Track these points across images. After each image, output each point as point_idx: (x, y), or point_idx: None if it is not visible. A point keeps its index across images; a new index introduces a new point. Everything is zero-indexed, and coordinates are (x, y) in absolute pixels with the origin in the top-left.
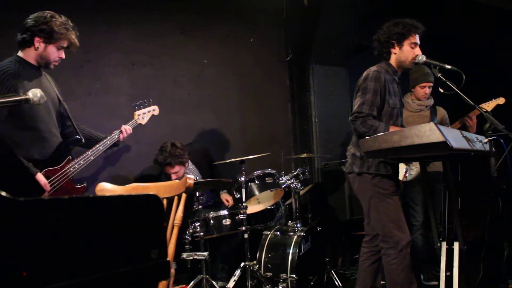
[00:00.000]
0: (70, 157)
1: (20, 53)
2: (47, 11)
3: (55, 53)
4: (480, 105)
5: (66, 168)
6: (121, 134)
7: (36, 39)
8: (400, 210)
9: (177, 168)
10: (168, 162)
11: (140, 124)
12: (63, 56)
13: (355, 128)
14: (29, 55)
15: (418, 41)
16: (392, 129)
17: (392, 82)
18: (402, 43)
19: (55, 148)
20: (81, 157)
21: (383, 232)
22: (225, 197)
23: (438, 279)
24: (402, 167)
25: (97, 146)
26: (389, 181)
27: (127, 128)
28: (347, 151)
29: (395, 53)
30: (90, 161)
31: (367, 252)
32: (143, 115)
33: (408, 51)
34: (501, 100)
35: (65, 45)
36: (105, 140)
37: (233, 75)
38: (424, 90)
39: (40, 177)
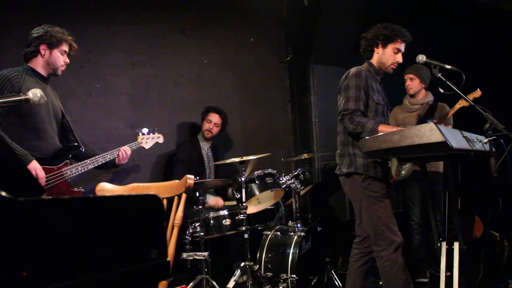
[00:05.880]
0: (68, 161)
1: (28, 64)
2: (44, 24)
3: (60, 58)
4: (460, 102)
5: (63, 170)
6: (118, 155)
7: (42, 47)
8: (391, 213)
9: (217, 117)
10: (213, 108)
11: (143, 147)
12: (68, 60)
13: (345, 126)
14: (37, 64)
15: (402, 48)
16: (383, 126)
17: (375, 81)
18: (387, 45)
19: (53, 150)
20: (80, 163)
21: (375, 235)
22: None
23: (428, 277)
24: (394, 165)
25: (97, 157)
26: (380, 183)
27: (126, 149)
28: (335, 154)
29: (377, 53)
30: (88, 169)
31: (358, 253)
32: (147, 140)
33: (390, 55)
34: (477, 93)
35: (66, 49)
36: (105, 154)
37: (233, 75)
38: (406, 83)
39: (35, 164)
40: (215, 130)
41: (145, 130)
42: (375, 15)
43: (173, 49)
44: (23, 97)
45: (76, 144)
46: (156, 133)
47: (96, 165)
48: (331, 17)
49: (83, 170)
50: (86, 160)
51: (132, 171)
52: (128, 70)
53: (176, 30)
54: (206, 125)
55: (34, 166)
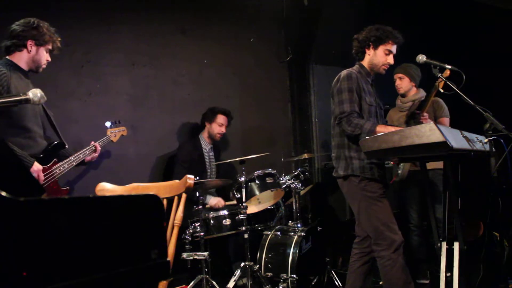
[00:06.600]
0: (56, 159)
1: (8, 58)
2: (31, 18)
3: (44, 56)
4: (436, 84)
5: (53, 168)
6: (93, 153)
7: (29, 42)
8: (390, 212)
9: (225, 119)
10: (221, 110)
11: (112, 141)
12: (50, 59)
13: (343, 129)
14: (20, 59)
15: (393, 50)
16: (380, 127)
17: (366, 83)
18: (378, 46)
19: (42, 148)
20: (65, 161)
21: (375, 235)
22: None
23: (428, 278)
24: (394, 166)
25: (78, 153)
26: (376, 184)
27: (97, 146)
28: (331, 157)
29: (369, 55)
30: (72, 166)
31: (358, 253)
32: (116, 133)
33: (381, 56)
34: (446, 73)
35: (51, 47)
36: (84, 150)
37: (233, 75)
38: (396, 82)
39: (38, 166)
40: (224, 131)
41: (107, 124)
42: (375, 15)
43: (173, 49)
44: (23, 97)
45: (61, 142)
46: (121, 126)
47: (78, 161)
48: (331, 17)
49: (68, 168)
50: (70, 157)
51: (132, 171)
52: (128, 70)
53: (176, 30)
54: (217, 129)
55: (38, 168)
